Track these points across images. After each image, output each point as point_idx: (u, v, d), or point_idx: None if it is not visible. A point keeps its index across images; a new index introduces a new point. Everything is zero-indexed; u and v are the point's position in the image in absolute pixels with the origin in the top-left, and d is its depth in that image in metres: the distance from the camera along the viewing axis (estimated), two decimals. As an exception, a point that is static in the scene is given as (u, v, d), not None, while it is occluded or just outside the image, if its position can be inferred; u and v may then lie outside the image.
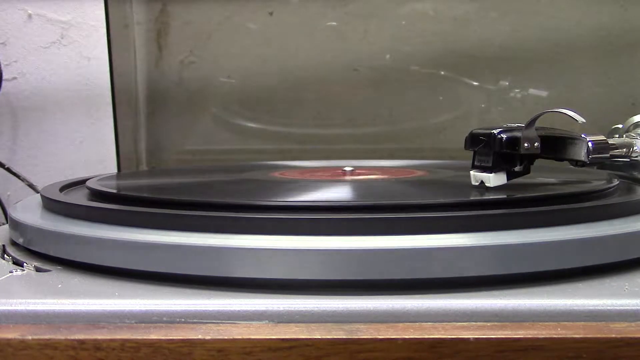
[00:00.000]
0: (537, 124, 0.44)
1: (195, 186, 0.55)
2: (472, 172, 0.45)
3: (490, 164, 0.44)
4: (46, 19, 0.80)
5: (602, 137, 0.45)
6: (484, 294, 0.32)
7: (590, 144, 0.43)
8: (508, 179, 0.44)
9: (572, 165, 0.45)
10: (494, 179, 0.44)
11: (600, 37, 0.79)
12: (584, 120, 0.42)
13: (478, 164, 0.44)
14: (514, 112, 0.80)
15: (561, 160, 0.45)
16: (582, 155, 0.43)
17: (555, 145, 0.45)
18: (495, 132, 0.43)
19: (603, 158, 0.44)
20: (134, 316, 0.32)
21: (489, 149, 0.43)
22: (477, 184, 0.44)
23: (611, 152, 0.46)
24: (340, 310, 0.31)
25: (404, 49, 0.81)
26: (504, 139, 0.43)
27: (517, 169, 0.44)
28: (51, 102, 0.81)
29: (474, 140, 0.44)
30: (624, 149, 0.50)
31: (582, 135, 0.44)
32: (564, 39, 0.79)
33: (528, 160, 0.45)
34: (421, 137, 0.82)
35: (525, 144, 0.43)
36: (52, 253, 0.39)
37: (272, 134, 0.83)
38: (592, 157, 0.43)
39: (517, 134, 0.43)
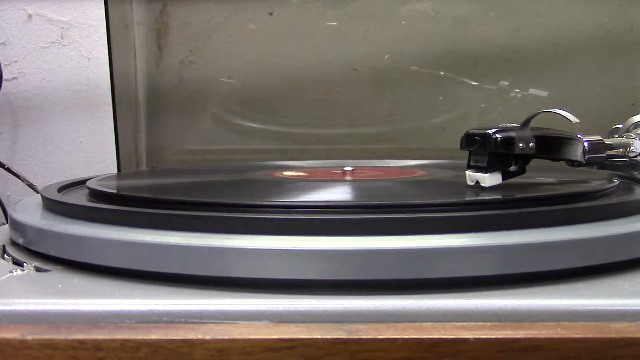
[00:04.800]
0: (539, 124, 0.44)
1: (195, 186, 0.55)
2: (467, 172, 0.45)
3: (485, 164, 0.44)
4: (46, 19, 0.80)
5: (598, 137, 0.45)
6: (484, 294, 0.32)
7: (586, 144, 0.43)
8: (503, 179, 0.44)
9: (569, 165, 0.45)
10: (489, 179, 0.44)
11: (600, 37, 0.79)
12: (578, 121, 0.42)
13: (473, 164, 0.45)
14: (513, 112, 0.80)
15: (557, 160, 0.45)
16: (578, 155, 0.44)
17: (551, 146, 0.45)
18: (490, 132, 0.43)
19: (600, 158, 0.45)
20: (134, 316, 0.31)
21: (484, 149, 0.43)
22: (472, 184, 0.44)
23: (608, 152, 0.46)
24: (340, 310, 0.31)
25: (404, 49, 0.81)
26: (499, 139, 0.43)
27: (512, 169, 0.44)
28: (51, 102, 0.81)
29: (469, 141, 0.44)
30: (621, 149, 0.50)
31: (579, 135, 0.44)
32: (564, 39, 0.79)
33: (523, 160, 0.45)
34: (421, 137, 0.82)
35: (520, 144, 0.43)
36: (52, 253, 0.39)
37: (272, 134, 0.83)
38: (589, 157, 0.43)
39: (512, 134, 0.43)
